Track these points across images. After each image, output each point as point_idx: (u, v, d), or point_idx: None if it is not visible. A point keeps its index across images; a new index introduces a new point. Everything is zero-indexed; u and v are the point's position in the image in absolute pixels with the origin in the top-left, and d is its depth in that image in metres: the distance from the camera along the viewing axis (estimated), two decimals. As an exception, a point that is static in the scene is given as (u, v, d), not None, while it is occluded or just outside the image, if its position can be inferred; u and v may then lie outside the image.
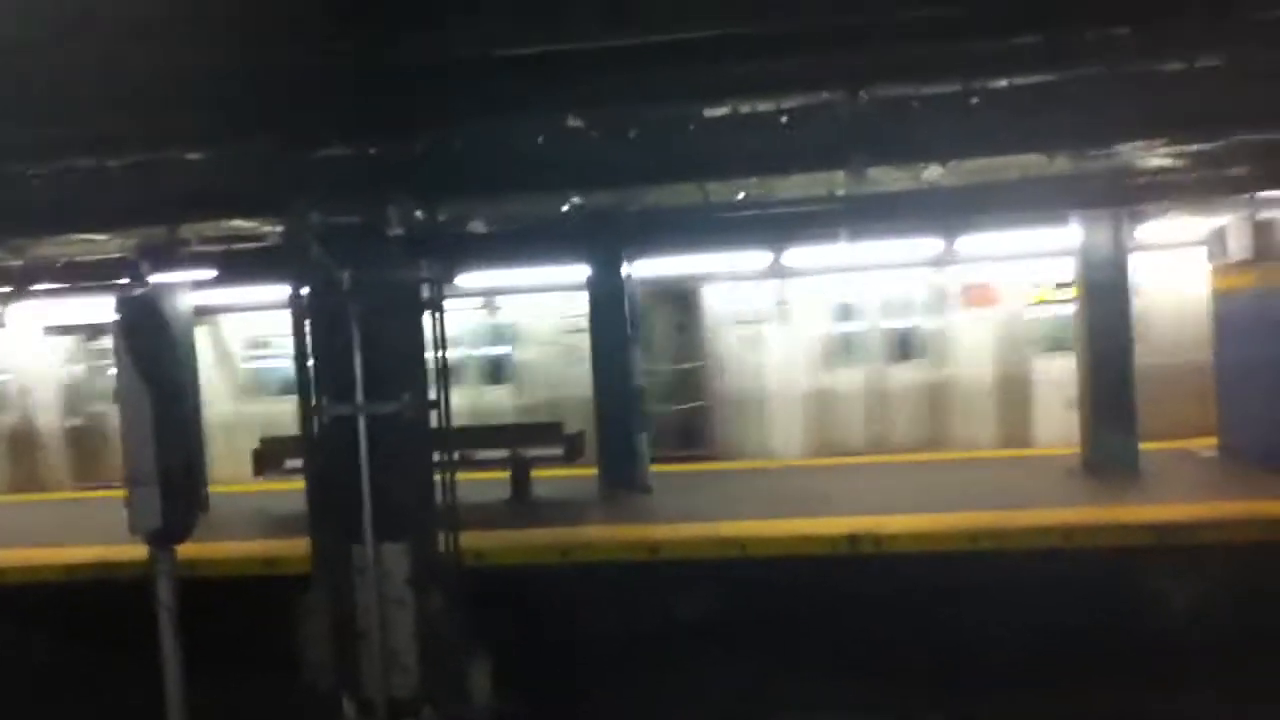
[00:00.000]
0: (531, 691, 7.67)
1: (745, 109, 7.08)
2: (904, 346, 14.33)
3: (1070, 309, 12.55)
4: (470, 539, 7.40)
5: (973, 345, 14.08)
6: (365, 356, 6.36)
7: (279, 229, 9.05)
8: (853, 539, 9.12)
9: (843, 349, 14.41)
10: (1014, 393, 13.97)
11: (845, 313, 14.44)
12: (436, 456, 6.89)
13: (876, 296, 14.36)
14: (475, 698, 6.51)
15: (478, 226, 8.01)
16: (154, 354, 6.36)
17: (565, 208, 9.87)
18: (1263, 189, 9.63)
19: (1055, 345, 13.58)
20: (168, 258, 9.00)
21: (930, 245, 12.54)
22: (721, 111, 7.08)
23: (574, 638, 8.99)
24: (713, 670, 8.86)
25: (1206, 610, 8.60)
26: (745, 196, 10.79)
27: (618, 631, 8.99)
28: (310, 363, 6.60)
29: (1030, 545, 8.88)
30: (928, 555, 8.96)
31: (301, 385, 6.54)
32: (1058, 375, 13.31)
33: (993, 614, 8.56)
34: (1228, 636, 8.37)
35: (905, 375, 14.23)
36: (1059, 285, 13.37)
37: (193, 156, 7.37)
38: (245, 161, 6.98)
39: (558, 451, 11.96)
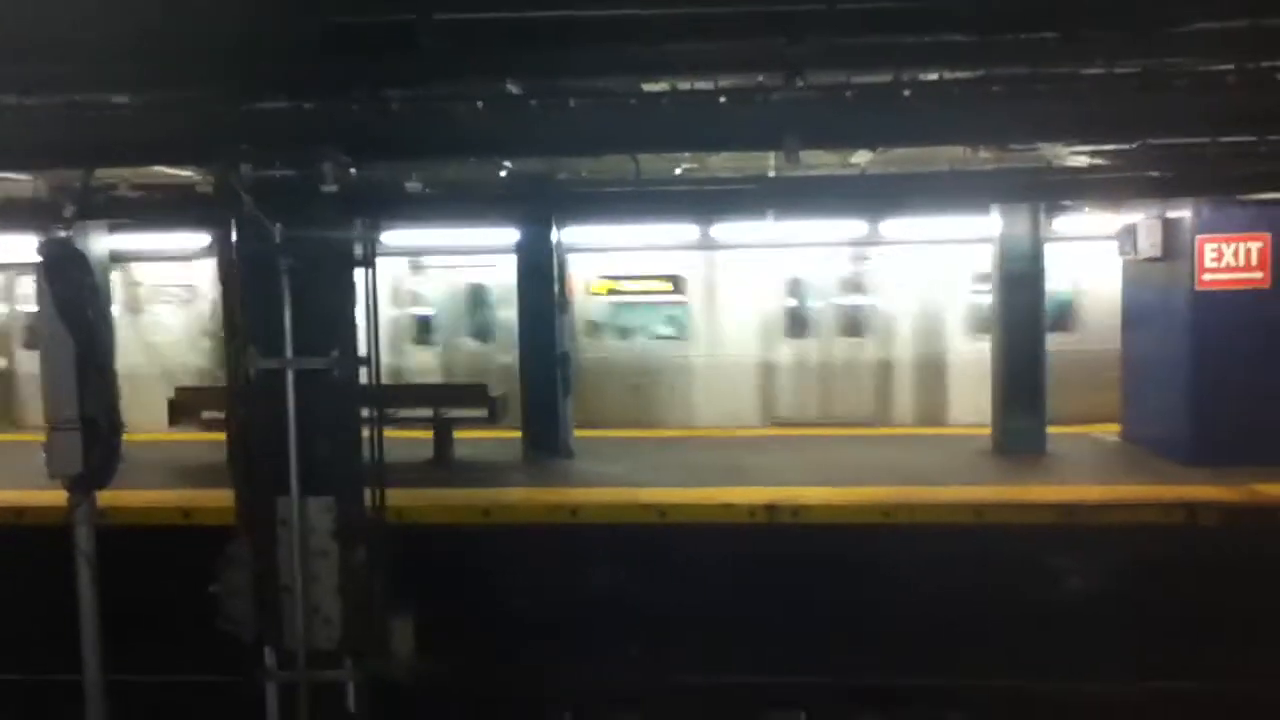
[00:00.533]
0: (452, 648, 7.81)
1: (684, 86, 7.20)
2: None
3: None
4: (392, 497, 7.48)
5: None
6: (295, 311, 6.35)
7: (208, 179, 8.91)
8: (770, 508, 9.42)
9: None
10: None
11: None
12: (364, 414, 6.92)
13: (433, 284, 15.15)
14: (397, 653, 6.60)
15: (413, 186, 8.00)
16: (77, 298, 6.30)
17: (503, 173, 9.87)
18: (1174, 193, 10.07)
19: (620, 333, 14.86)
20: (92, 201, 8.82)
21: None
22: (660, 87, 7.19)
23: (494, 597, 9.15)
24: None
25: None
26: (681, 172, 10.90)
27: (537, 591, 9.19)
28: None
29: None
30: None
31: (229, 336, 6.51)
32: (622, 359, 14.62)
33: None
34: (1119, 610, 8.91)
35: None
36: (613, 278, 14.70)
37: (120, 100, 7.23)
38: (178, 109, 6.87)
39: (482, 413, 12.05)
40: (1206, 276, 10.66)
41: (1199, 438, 10.71)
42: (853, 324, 14.57)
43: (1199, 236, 10.63)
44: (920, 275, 14.22)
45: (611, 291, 14.79)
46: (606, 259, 14.57)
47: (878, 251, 14.31)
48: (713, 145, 8.31)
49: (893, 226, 13.79)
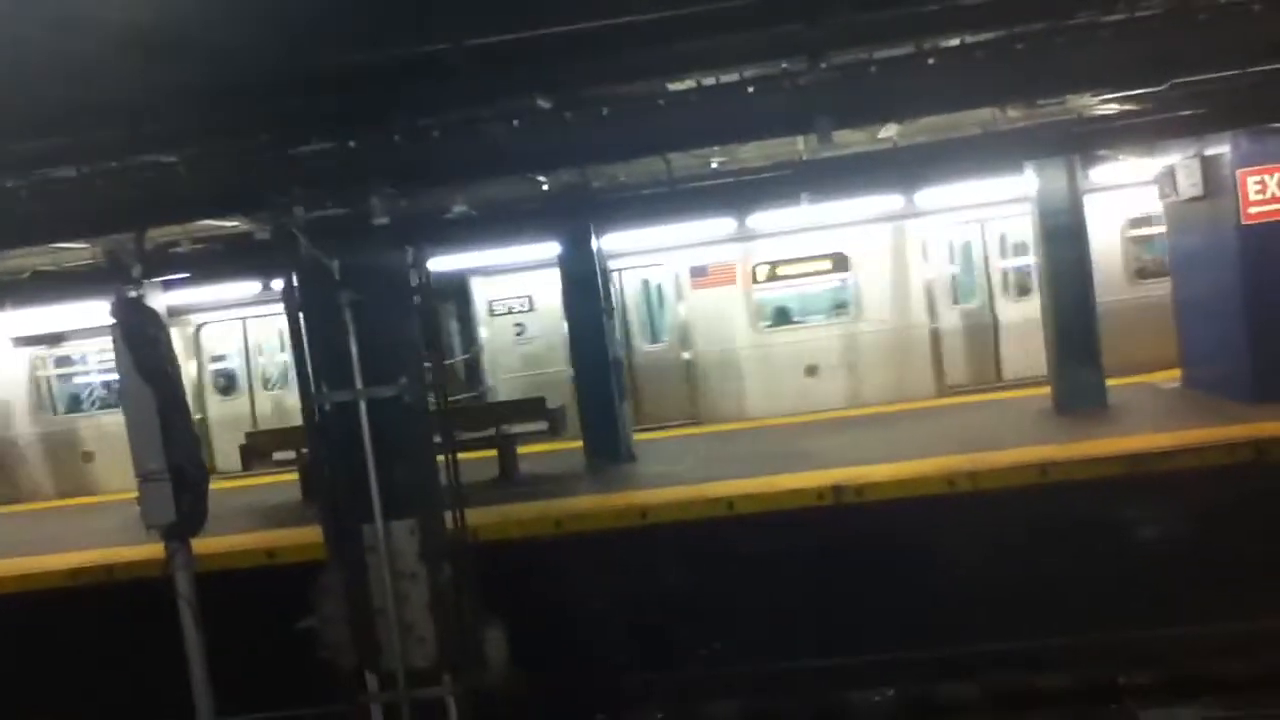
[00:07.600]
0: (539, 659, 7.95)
1: (710, 81, 7.32)
2: None
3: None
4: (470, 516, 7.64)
5: None
6: (360, 343, 6.56)
7: (263, 226, 9.17)
8: (837, 490, 9.48)
9: None
10: None
11: None
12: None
13: None
14: (491, 665, 6.77)
15: (459, 209, 8.21)
16: (153, 353, 6.56)
17: (545, 187, 10.04)
18: (1209, 129, 9.99)
19: None
20: (158, 260, 9.13)
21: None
22: (687, 85, 7.30)
23: (575, 604, 9.30)
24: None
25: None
26: (716, 166, 11.01)
27: (616, 596, 9.32)
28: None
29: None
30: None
31: (301, 375, 6.73)
32: None
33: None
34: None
35: None
36: None
37: (170, 160, 7.48)
38: (227, 161, 7.11)
39: (542, 427, 12.21)
40: (1252, 210, 10.52)
41: (1260, 374, 10.59)
42: None
43: (1240, 170, 10.51)
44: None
45: None
46: None
47: None
48: (746, 135, 8.39)
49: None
